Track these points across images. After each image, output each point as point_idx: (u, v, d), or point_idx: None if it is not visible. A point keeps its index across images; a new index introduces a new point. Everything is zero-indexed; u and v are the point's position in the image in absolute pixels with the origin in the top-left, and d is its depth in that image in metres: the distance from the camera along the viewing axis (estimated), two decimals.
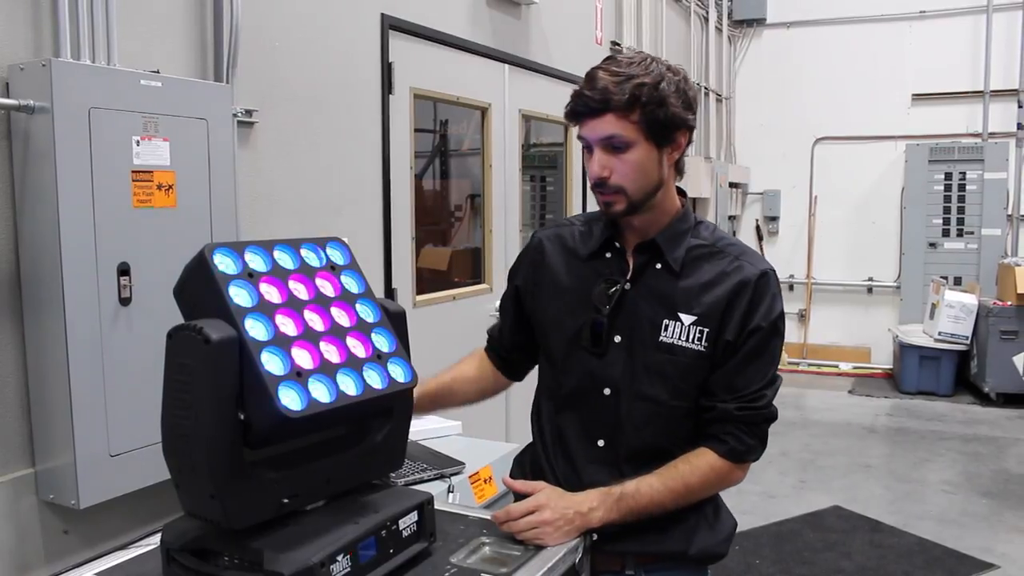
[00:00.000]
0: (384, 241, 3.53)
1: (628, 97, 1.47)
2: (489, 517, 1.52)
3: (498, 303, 1.91)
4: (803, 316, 8.74)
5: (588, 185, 1.61)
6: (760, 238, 8.91)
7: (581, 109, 1.52)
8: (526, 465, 1.76)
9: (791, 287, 8.76)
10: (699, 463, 1.57)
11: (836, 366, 8.53)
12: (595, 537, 1.54)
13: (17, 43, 2.09)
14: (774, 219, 8.88)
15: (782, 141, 8.64)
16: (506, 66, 4.46)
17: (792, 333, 8.78)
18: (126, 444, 2.14)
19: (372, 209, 3.49)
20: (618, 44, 5.87)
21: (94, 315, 2.09)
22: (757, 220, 8.95)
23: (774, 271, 1.62)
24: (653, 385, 1.58)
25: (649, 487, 1.53)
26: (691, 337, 1.56)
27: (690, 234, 1.62)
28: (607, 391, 1.61)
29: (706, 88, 7.88)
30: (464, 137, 4.64)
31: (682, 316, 1.57)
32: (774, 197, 8.81)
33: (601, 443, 1.62)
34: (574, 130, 1.73)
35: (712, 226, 1.68)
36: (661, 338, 1.57)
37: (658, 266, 1.61)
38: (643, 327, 1.59)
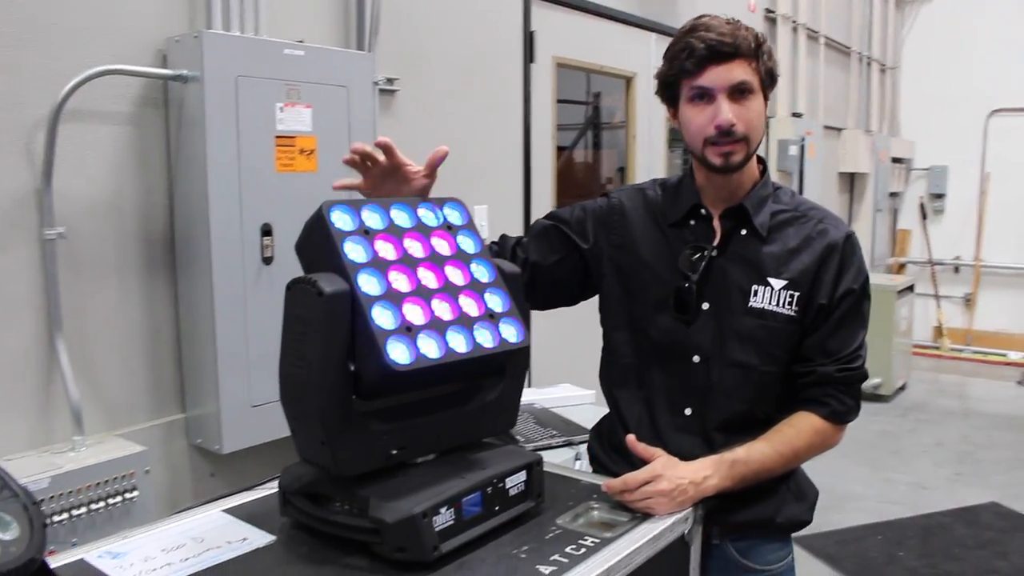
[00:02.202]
0: (524, 210, 3.55)
1: (753, 44, 1.47)
2: (601, 483, 1.52)
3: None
4: (968, 300, 8.20)
5: (699, 137, 1.50)
6: (924, 216, 8.41)
7: (708, 53, 1.46)
8: (604, 435, 1.73)
9: (956, 269, 8.25)
10: (803, 426, 1.54)
11: (1004, 355, 7.97)
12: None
13: (173, 17, 2.23)
14: (940, 196, 8.35)
15: (952, 113, 8.07)
16: (653, 35, 4.38)
17: (956, 318, 8.27)
18: (265, 396, 2.26)
19: (512, 178, 3.52)
20: (772, 12, 5.65)
21: (239, 273, 2.21)
22: (921, 198, 8.44)
23: (855, 234, 1.61)
24: (745, 351, 1.55)
25: (760, 453, 1.50)
26: (782, 301, 1.54)
27: (771, 199, 1.60)
28: (696, 358, 1.58)
29: (868, 57, 7.47)
30: (616, 109, 4.60)
31: (771, 281, 1.55)
32: (940, 173, 8.28)
33: (688, 412, 1.60)
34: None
35: (790, 191, 1.65)
36: (751, 303, 1.55)
37: (743, 232, 1.58)
38: (732, 293, 1.56)
